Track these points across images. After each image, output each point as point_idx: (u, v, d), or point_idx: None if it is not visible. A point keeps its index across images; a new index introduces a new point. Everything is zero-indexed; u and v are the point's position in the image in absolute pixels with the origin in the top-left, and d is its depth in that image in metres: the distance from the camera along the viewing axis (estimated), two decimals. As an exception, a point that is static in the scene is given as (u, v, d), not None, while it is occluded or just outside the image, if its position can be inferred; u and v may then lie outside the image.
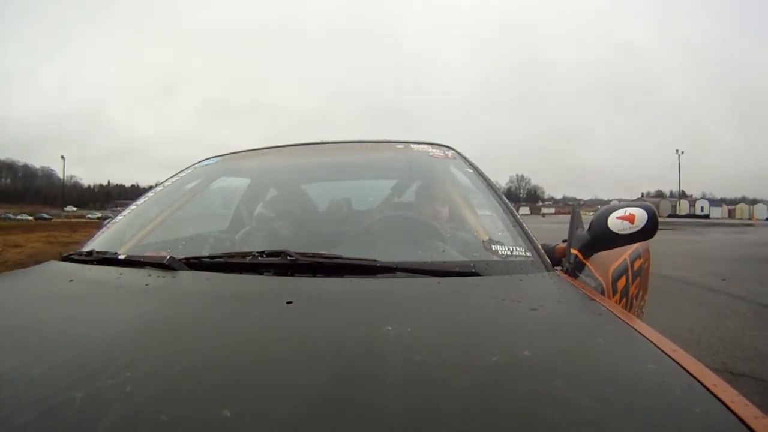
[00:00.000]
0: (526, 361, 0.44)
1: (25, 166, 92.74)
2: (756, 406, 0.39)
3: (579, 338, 0.53)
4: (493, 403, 0.38)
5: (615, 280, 1.28)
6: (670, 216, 58.87)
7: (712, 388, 0.41)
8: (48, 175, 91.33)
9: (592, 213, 0.98)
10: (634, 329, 0.53)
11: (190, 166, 1.39)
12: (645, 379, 0.43)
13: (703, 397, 0.40)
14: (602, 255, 0.96)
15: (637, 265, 1.59)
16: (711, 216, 58.54)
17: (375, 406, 0.38)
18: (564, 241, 0.87)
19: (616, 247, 0.97)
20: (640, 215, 0.85)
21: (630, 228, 0.85)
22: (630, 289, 1.46)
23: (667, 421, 0.37)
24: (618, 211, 0.87)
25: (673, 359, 0.46)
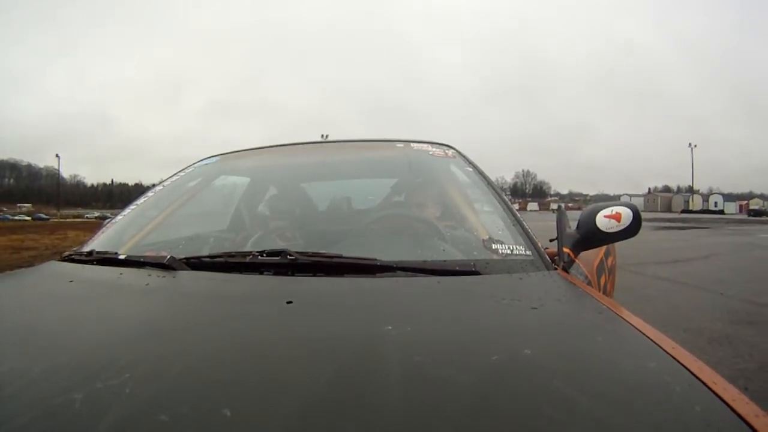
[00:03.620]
0: (526, 359, 0.45)
1: (29, 166, 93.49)
2: (757, 404, 0.39)
3: (579, 337, 0.53)
4: (494, 403, 0.38)
5: (598, 278, 1.30)
6: (683, 212, 58.24)
7: (712, 386, 0.41)
8: (52, 174, 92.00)
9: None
10: (635, 327, 0.54)
11: (189, 165, 1.39)
12: (645, 378, 0.43)
13: (703, 395, 0.40)
14: (585, 253, 0.98)
15: (609, 262, 1.62)
16: (726, 212, 57.87)
17: (375, 406, 0.38)
18: (551, 240, 0.89)
19: (603, 245, 0.99)
20: (626, 214, 0.87)
21: (617, 226, 0.87)
22: (607, 287, 1.48)
23: (668, 419, 0.37)
24: (605, 209, 0.89)
25: (674, 357, 0.46)
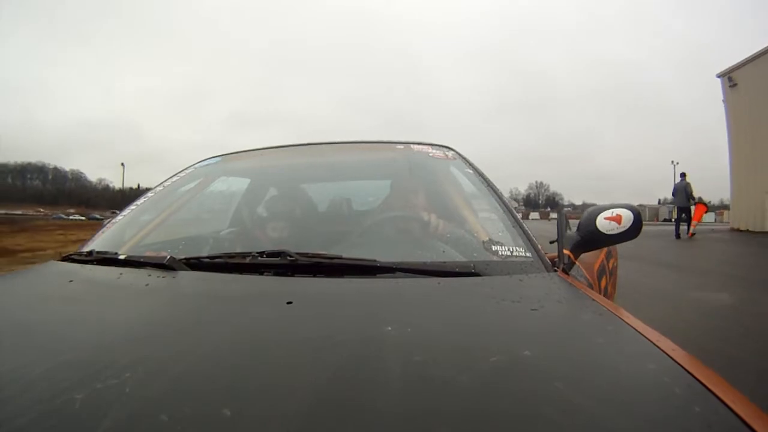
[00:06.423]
0: (525, 361, 0.43)
1: (56, 169, 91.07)
2: (757, 405, 0.38)
3: (579, 338, 0.52)
4: (494, 404, 0.37)
5: (599, 280, 1.27)
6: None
7: (712, 388, 0.39)
8: (77, 177, 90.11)
9: None
10: (634, 329, 0.52)
11: (190, 166, 1.35)
12: (645, 379, 0.42)
13: (703, 396, 0.39)
14: (586, 255, 0.96)
15: (611, 264, 1.59)
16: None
17: (375, 407, 0.36)
18: (551, 242, 0.85)
19: (603, 247, 0.96)
20: (627, 216, 0.84)
21: (617, 228, 0.84)
22: (609, 289, 1.45)
23: (667, 420, 0.36)
24: (606, 212, 0.86)
25: (673, 359, 0.44)
